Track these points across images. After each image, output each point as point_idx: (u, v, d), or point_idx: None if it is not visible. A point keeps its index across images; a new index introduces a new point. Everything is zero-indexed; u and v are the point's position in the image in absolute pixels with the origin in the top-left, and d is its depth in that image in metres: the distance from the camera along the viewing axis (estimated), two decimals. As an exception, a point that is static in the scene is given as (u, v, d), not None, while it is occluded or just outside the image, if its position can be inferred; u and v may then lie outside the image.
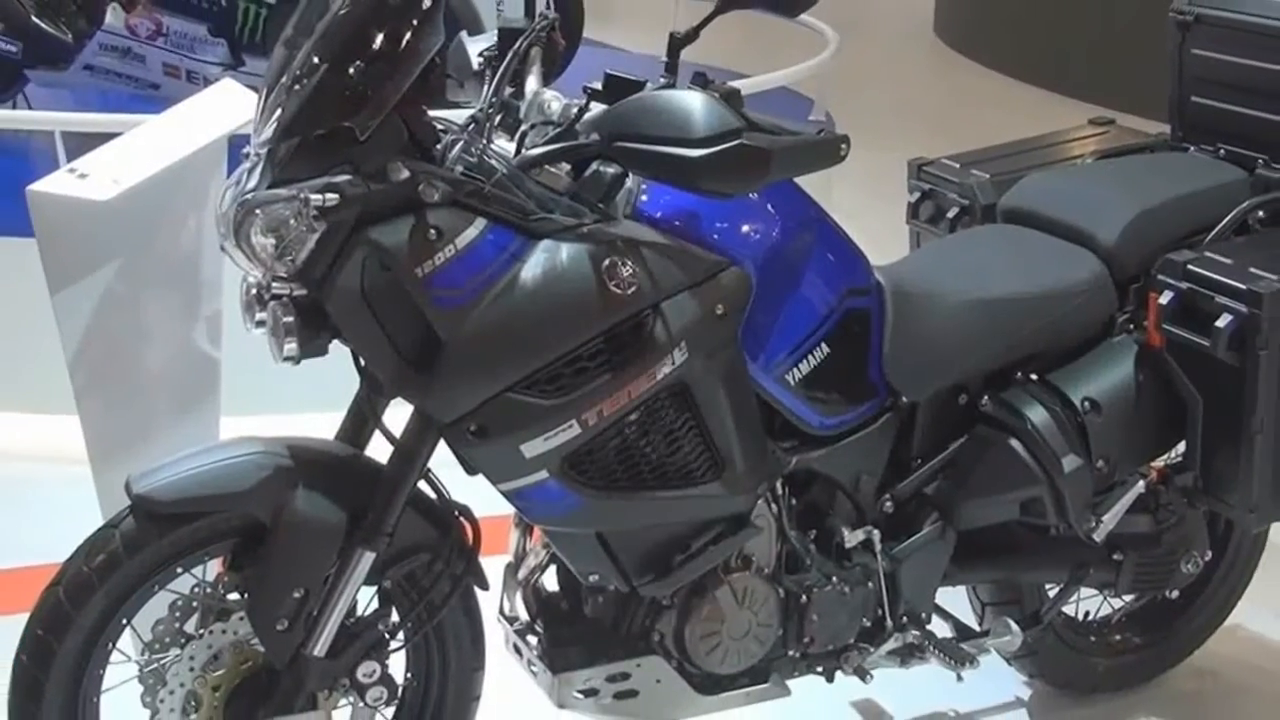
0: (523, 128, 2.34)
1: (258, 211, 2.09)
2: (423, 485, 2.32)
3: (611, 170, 2.24)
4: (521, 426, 2.21)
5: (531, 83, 2.39)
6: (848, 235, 2.52)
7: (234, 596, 2.32)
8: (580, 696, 2.48)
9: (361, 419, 2.41)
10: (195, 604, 2.32)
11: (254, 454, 2.26)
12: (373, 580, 2.32)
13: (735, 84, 2.32)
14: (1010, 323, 2.63)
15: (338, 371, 2.31)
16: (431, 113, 2.22)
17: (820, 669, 2.66)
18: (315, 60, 2.12)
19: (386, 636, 2.38)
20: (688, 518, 2.40)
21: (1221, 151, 2.97)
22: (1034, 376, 2.67)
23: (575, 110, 2.28)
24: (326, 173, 2.09)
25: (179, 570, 2.28)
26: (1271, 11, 2.85)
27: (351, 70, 2.08)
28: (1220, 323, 2.54)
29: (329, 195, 2.07)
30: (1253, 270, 2.56)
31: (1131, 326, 2.72)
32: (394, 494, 2.27)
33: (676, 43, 2.38)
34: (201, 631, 2.30)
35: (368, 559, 2.27)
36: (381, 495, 2.27)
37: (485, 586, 2.44)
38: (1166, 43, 3.04)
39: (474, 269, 2.14)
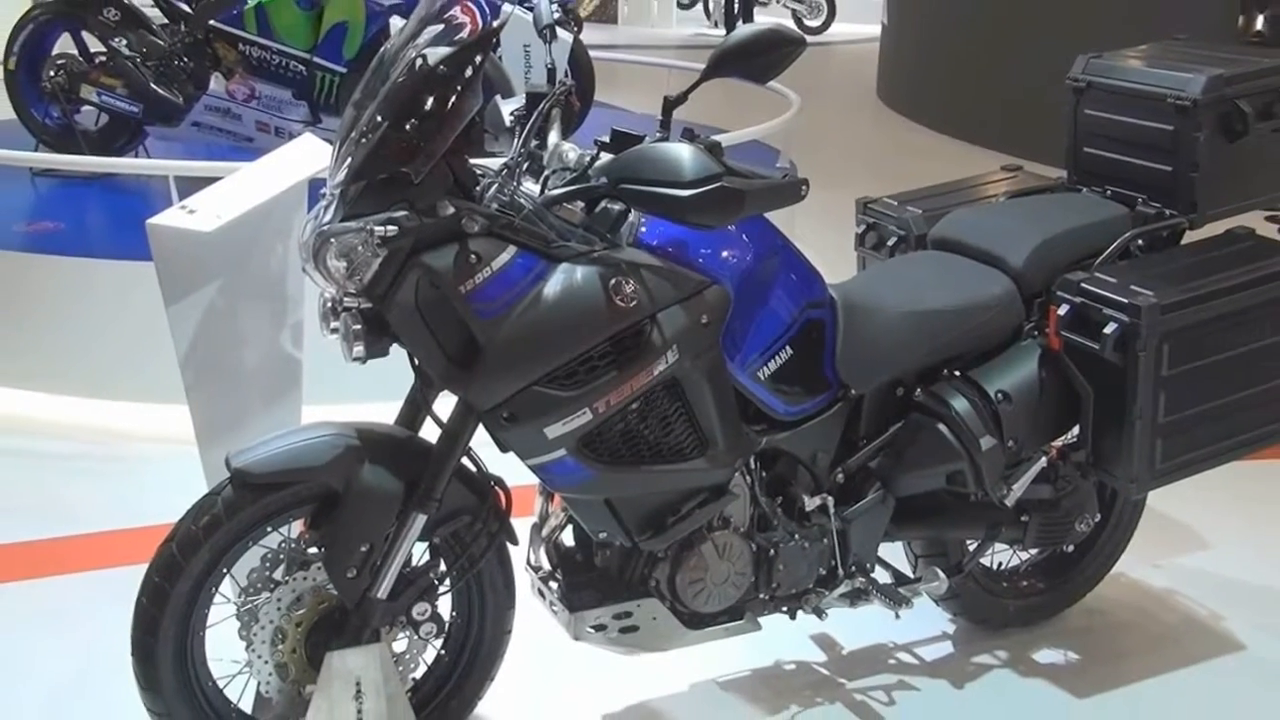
0: (545, 173, 2.34)
1: (332, 240, 2.09)
2: (465, 461, 2.33)
3: (617, 207, 2.23)
4: (545, 413, 2.21)
5: (553, 136, 2.39)
6: (807, 259, 2.52)
7: (313, 550, 2.32)
8: (592, 631, 2.48)
9: (415, 407, 2.42)
10: (282, 556, 2.32)
11: (329, 435, 2.27)
12: (425, 537, 2.32)
13: (717, 137, 2.32)
14: (938, 330, 2.63)
15: (396, 369, 2.32)
16: (472, 160, 2.23)
17: (785, 609, 2.66)
18: (379, 119, 2.12)
19: (436, 582, 2.38)
20: (679, 486, 2.40)
21: (1108, 192, 2.96)
22: (957, 373, 2.67)
23: (588, 159, 2.29)
24: (388, 209, 2.09)
25: (269, 529, 2.28)
26: (1149, 79, 2.85)
27: (408, 127, 2.08)
28: (1107, 330, 2.54)
29: (390, 227, 2.07)
30: (1133, 288, 2.56)
31: (1036, 333, 2.71)
32: (442, 467, 2.27)
33: (669, 104, 2.38)
34: (287, 578, 2.31)
35: (420, 520, 2.27)
36: (431, 469, 2.27)
37: (515, 542, 2.44)
38: (1064, 104, 3.04)
39: (506, 287, 2.14)
